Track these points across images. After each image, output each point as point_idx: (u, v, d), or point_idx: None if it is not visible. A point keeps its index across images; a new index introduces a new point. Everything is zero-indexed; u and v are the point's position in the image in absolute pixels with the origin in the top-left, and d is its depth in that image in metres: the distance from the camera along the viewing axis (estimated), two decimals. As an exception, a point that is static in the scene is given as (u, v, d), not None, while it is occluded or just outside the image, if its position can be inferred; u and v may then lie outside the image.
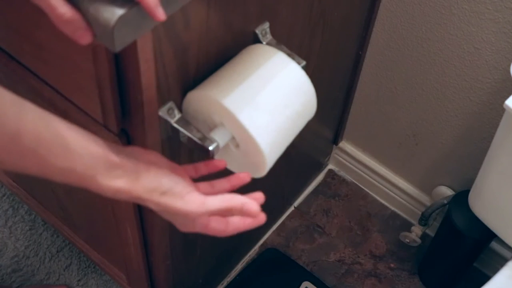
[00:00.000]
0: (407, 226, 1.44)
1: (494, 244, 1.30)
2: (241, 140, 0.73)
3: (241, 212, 0.67)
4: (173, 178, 0.64)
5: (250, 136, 0.71)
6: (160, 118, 0.73)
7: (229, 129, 0.73)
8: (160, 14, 0.54)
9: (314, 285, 1.35)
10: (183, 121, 0.74)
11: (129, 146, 0.67)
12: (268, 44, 0.80)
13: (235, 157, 0.77)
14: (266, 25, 0.81)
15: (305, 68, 0.79)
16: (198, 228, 0.66)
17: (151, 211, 0.87)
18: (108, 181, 0.59)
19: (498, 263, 1.30)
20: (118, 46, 0.55)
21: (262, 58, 0.76)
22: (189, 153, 0.85)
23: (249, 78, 0.73)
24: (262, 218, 0.70)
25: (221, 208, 0.65)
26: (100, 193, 0.60)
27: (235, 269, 1.38)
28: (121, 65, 0.66)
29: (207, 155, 0.73)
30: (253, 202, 0.67)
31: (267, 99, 0.73)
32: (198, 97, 0.73)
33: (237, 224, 0.68)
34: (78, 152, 0.57)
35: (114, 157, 0.60)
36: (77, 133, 0.58)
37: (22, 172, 0.56)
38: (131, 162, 0.62)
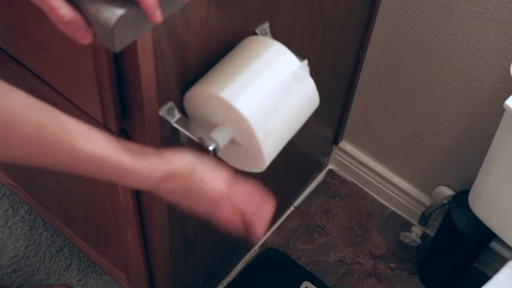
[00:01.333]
0: (407, 226, 1.44)
1: (494, 244, 1.30)
2: (241, 133, 0.73)
3: (259, 203, 0.70)
4: (197, 155, 0.65)
5: (248, 126, 0.70)
6: (160, 118, 0.73)
7: (228, 122, 0.73)
8: (157, 15, 0.54)
9: (314, 285, 1.35)
10: (183, 121, 0.74)
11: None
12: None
13: (235, 153, 0.77)
14: (266, 25, 0.81)
15: (305, 68, 0.79)
16: (213, 214, 0.68)
17: (151, 210, 0.87)
18: (137, 163, 0.60)
19: (498, 263, 1.30)
20: (118, 46, 0.55)
21: (259, 49, 0.76)
22: (189, 153, 0.85)
23: (246, 69, 0.73)
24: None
25: (247, 190, 0.68)
26: (129, 179, 0.61)
27: (235, 269, 1.38)
28: (121, 65, 0.66)
29: (207, 155, 0.73)
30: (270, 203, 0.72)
31: (265, 89, 0.73)
32: (196, 94, 0.73)
33: (252, 227, 0.71)
34: (101, 138, 0.58)
35: (132, 145, 0.61)
36: (91, 126, 0.59)
37: (46, 165, 0.57)
38: (151, 148, 0.63)
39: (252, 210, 0.69)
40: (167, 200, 0.68)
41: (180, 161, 0.64)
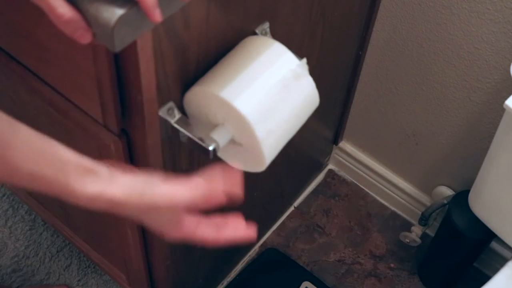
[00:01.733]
0: (407, 226, 1.44)
1: (494, 244, 1.30)
2: (241, 133, 0.73)
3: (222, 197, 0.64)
4: (151, 179, 0.61)
5: (248, 125, 0.70)
6: (160, 118, 0.73)
7: (228, 122, 0.73)
8: (157, 15, 0.54)
9: (314, 285, 1.35)
10: (183, 121, 0.74)
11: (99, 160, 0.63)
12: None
13: (236, 153, 0.77)
14: (266, 25, 0.81)
15: (305, 68, 0.79)
16: (185, 232, 0.64)
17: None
18: (82, 187, 0.56)
19: (498, 263, 1.30)
20: (118, 46, 0.55)
21: (258, 49, 0.76)
22: (189, 153, 0.85)
23: (245, 69, 0.73)
24: (252, 233, 0.68)
25: (203, 191, 0.62)
26: (74, 201, 0.57)
27: (235, 269, 1.38)
28: (121, 65, 0.66)
29: (207, 155, 0.73)
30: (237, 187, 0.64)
31: (264, 89, 0.73)
32: (196, 94, 0.73)
33: (229, 233, 0.66)
34: (48, 156, 0.55)
35: (86, 162, 0.57)
36: (46, 139, 0.56)
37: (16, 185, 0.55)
38: (105, 168, 0.59)
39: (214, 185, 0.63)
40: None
41: (128, 188, 0.59)
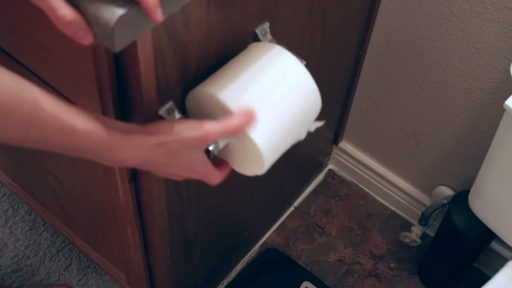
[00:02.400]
0: (407, 226, 1.44)
1: (494, 244, 1.30)
2: (241, 141, 0.73)
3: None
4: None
5: (250, 139, 0.71)
6: (160, 118, 0.73)
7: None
8: (158, 15, 0.54)
9: (314, 285, 1.35)
10: (183, 121, 0.74)
11: None
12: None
13: (235, 154, 0.77)
14: (266, 25, 0.81)
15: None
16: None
17: (151, 210, 0.87)
18: (127, 136, 0.61)
19: (498, 263, 1.30)
20: (118, 46, 0.55)
21: (260, 53, 0.76)
22: (189, 153, 0.85)
23: (247, 73, 0.73)
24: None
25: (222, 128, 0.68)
26: (117, 154, 0.61)
27: (235, 269, 1.38)
28: (121, 65, 0.66)
29: (207, 155, 0.73)
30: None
31: (265, 93, 0.73)
32: (197, 95, 0.73)
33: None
34: (93, 115, 0.59)
35: (121, 123, 0.62)
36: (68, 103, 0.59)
37: (42, 143, 0.57)
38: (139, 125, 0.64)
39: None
40: (157, 173, 0.69)
41: (160, 130, 0.65)
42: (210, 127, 0.67)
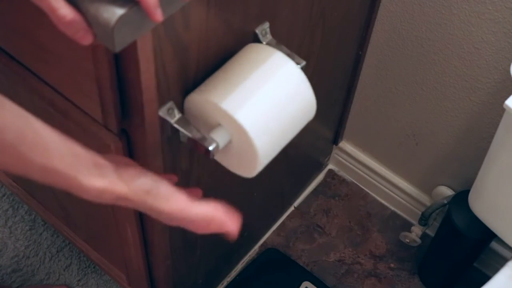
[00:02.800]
0: (407, 226, 1.44)
1: (494, 244, 1.30)
2: (238, 139, 0.74)
3: (219, 227, 0.68)
4: (155, 178, 0.64)
5: (248, 137, 0.71)
6: (160, 118, 0.73)
7: (227, 129, 0.73)
8: (158, 15, 0.54)
9: (314, 285, 1.35)
10: (183, 121, 0.74)
11: (107, 154, 0.66)
12: (268, 44, 0.80)
13: (231, 155, 0.78)
14: (266, 25, 0.81)
15: (305, 68, 0.79)
16: (183, 225, 0.68)
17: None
18: (91, 181, 0.59)
19: (498, 263, 1.30)
20: (118, 46, 0.55)
21: (260, 58, 0.76)
22: (189, 153, 0.85)
23: (247, 79, 0.73)
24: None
25: (203, 218, 0.66)
26: (82, 195, 0.60)
27: (235, 269, 1.38)
28: (121, 65, 0.66)
29: (207, 155, 0.73)
30: (233, 226, 0.69)
31: (265, 101, 0.73)
32: (197, 101, 0.74)
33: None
34: (60, 150, 0.57)
35: (96, 157, 0.60)
36: (58, 135, 0.58)
37: (3, 169, 0.57)
38: (113, 163, 0.62)
39: (216, 214, 0.68)
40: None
41: (135, 184, 0.62)
42: (194, 212, 0.66)
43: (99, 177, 0.59)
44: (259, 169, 0.76)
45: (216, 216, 0.67)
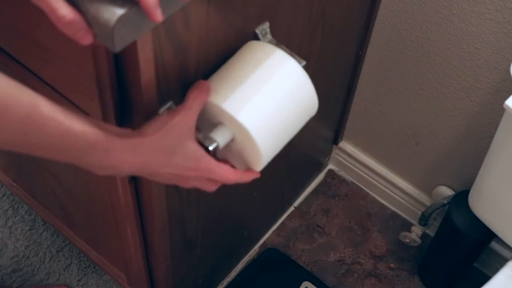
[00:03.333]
0: (407, 226, 1.44)
1: (494, 244, 1.30)
2: (241, 139, 0.74)
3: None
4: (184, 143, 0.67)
5: (251, 137, 0.71)
6: (160, 118, 0.73)
7: (230, 129, 0.73)
8: (158, 15, 0.54)
9: (314, 285, 1.35)
10: (183, 121, 0.74)
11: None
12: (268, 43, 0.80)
13: (232, 153, 0.78)
14: (266, 25, 0.81)
15: (305, 68, 0.79)
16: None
17: (151, 210, 0.87)
18: (123, 139, 0.61)
19: (498, 263, 1.30)
20: (118, 46, 0.55)
21: (261, 56, 0.76)
22: (189, 153, 0.85)
23: (247, 77, 0.73)
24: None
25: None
26: (114, 156, 0.61)
27: (235, 269, 1.38)
28: (121, 65, 0.66)
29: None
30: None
31: (266, 98, 0.73)
32: None
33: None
34: (91, 119, 0.59)
35: (116, 127, 0.62)
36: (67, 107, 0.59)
37: (41, 147, 0.57)
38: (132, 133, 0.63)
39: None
40: (161, 181, 0.69)
41: (153, 128, 0.64)
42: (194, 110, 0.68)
43: (123, 136, 0.61)
44: (262, 166, 0.76)
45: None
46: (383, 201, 1.50)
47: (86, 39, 0.54)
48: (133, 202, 0.87)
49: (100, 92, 0.69)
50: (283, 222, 1.46)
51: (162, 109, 0.72)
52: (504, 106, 0.87)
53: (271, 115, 0.73)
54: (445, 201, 1.26)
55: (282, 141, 0.77)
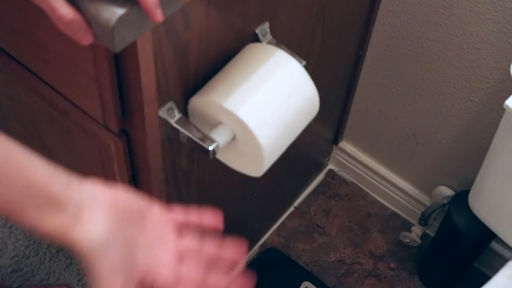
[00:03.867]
0: (407, 226, 1.44)
1: (494, 244, 1.30)
2: (242, 139, 0.74)
3: None
4: (133, 231, 0.52)
5: (252, 136, 0.71)
6: (160, 118, 0.73)
7: (231, 128, 0.73)
8: (158, 15, 0.54)
9: (314, 285, 1.35)
10: (183, 121, 0.74)
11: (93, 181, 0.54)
12: (268, 44, 0.80)
13: (234, 155, 0.78)
14: (266, 25, 0.81)
15: (305, 68, 0.79)
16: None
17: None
18: (40, 215, 0.47)
19: (498, 263, 1.30)
20: (118, 46, 0.55)
21: (262, 57, 0.76)
22: (189, 153, 0.85)
23: (249, 78, 0.73)
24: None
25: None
26: (32, 231, 0.49)
27: (235, 269, 1.38)
28: (121, 65, 0.66)
29: (207, 155, 0.73)
30: None
31: (267, 98, 0.73)
32: (200, 102, 0.74)
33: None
34: (17, 175, 0.47)
35: (57, 189, 0.48)
36: (23, 155, 0.48)
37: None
38: (76, 201, 0.49)
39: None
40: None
41: (98, 231, 0.50)
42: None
43: (51, 216, 0.48)
44: (266, 166, 0.75)
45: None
46: (383, 201, 1.50)
47: (86, 39, 0.54)
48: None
49: (100, 92, 0.69)
50: (283, 222, 1.45)
51: (162, 109, 0.72)
52: (504, 106, 0.87)
53: (272, 113, 0.73)
54: (445, 201, 1.26)
55: (285, 141, 0.77)
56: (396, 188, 1.44)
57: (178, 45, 0.68)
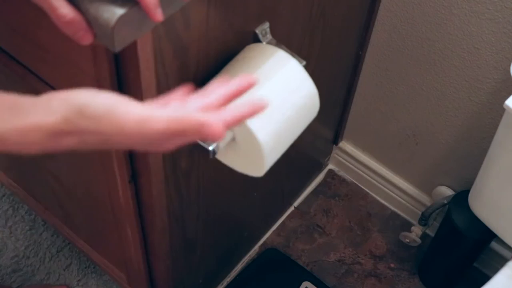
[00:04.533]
0: (407, 226, 1.44)
1: (494, 244, 1.30)
2: (243, 139, 0.74)
3: (199, 134, 0.50)
4: (95, 93, 0.49)
5: (253, 136, 0.71)
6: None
7: (232, 129, 0.73)
8: (159, 15, 0.54)
9: (314, 285, 1.35)
10: (183, 121, 0.74)
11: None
12: (268, 44, 0.80)
13: (235, 156, 0.78)
14: (266, 25, 0.81)
15: (305, 68, 0.79)
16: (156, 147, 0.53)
17: (151, 210, 0.87)
18: (5, 124, 0.48)
19: (498, 263, 1.30)
20: (118, 46, 0.55)
21: (262, 57, 0.76)
22: (189, 153, 0.85)
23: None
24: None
25: (169, 130, 0.49)
26: (5, 147, 0.49)
27: (235, 269, 1.38)
28: (121, 65, 0.66)
29: (207, 155, 0.73)
30: (217, 122, 0.50)
31: (268, 98, 0.73)
32: None
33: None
34: None
35: (17, 97, 0.49)
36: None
37: None
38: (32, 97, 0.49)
39: (187, 121, 0.50)
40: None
41: (65, 107, 0.48)
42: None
43: (17, 116, 0.48)
44: (267, 166, 0.75)
45: (188, 120, 0.50)
46: (383, 201, 1.50)
47: (86, 39, 0.54)
48: (133, 202, 0.87)
49: (100, 92, 0.69)
50: (283, 222, 1.46)
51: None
52: (504, 106, 0.87)
53: (272, 113, 0.73)
54: (445, 201, 1.26)
55: (285, 142, 0.77)
56: (396, 188, 1.44)
57: (178, 45, 0.68)
